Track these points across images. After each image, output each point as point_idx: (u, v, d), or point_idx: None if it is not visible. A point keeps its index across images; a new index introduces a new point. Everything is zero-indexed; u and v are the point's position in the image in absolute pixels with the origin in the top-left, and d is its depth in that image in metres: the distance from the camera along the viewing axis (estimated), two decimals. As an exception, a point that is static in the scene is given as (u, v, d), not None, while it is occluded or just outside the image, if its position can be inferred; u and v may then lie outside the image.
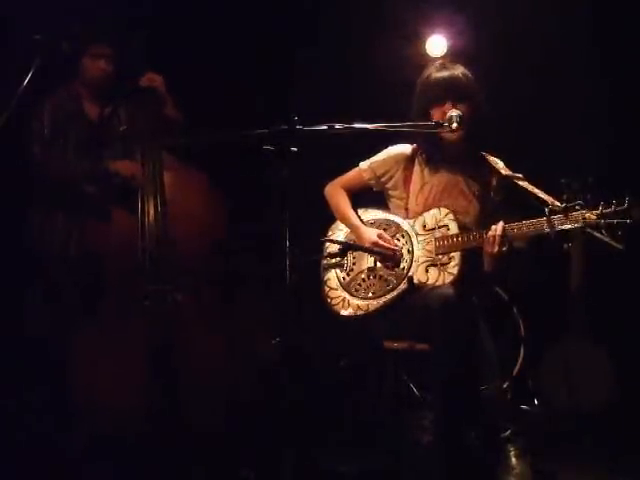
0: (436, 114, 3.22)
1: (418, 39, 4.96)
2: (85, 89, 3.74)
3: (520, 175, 3.20)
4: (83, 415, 3.20)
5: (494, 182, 3.35)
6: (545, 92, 4.62)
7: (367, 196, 3.54)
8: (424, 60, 4.89)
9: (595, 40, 4.56)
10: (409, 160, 3.42)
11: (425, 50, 4.97)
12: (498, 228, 3.07)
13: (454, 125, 3.07)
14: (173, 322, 3.25)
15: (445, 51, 4.93)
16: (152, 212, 3.37)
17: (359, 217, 3.47)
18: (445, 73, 3.25)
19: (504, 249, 3.06)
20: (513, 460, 3.02)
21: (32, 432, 3.36)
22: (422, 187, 3.37)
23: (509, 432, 3.06)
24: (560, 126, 4.59)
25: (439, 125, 3.10)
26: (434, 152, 3.34)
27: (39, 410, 3.40)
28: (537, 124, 4.60)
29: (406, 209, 3.39)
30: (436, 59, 4.63)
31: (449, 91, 3.20)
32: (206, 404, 3.20)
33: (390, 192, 3.46)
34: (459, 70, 3.26)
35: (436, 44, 4.95)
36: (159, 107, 3.59)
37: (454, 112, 3.11)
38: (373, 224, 3.44)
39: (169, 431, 3.13)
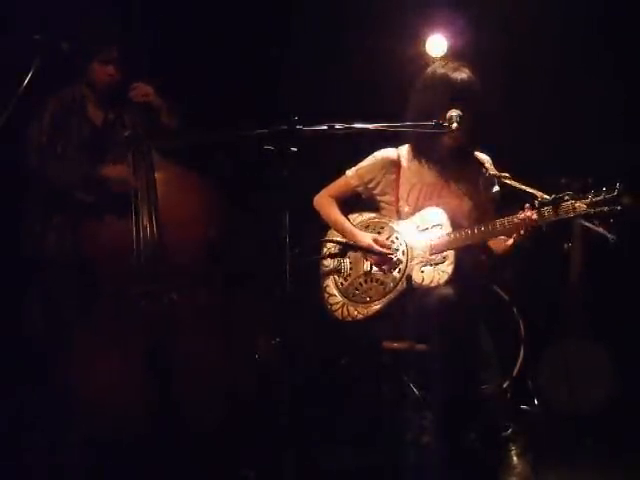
0: (442, 115, 3.19)
1: (418, 39, 4.96)
2: (91, 92, 3.72)
3: (507, 174, 3.20)
4: (81, 416, 3.19)
5: (483, 180, 3.36)
6: (545, 92, 4.62)
7: (361, 200, 3.54)
8: (424, 60, 4.89)
9: (596, 39, 4.56)
10: (395, 164, 3.42)
11: (425, 50, 4.96)
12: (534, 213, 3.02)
13: (454, 125, 3.07)
14: (169, 322, 3.25)
15: (445, 51, 4.93)
16: (146, 213, 3.38)
17: (352, 223, 3.47)
18: (459, 76, 3.22)
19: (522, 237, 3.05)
20: (514, 459, 3.02)
21: (30, 433, 3.36)
22: (412, 189, 3.37)
23: (510, 431, 3.06)
24: (560, 126, 4.59)
25: (439, 125, 3.09)
26: (428, 150, 3.34)
27: (37, 411, 3.40)
28: (537, 124, 4.60)
29: (397, 212, 3.40)
30: (436, 58, 4.65)
31: (462, 95, 3.17)
32: (205, 404, 3.20)
33: (379, 198, 3.46)
34: (469, 73, 3.24)
35: (436, 44, 4.94)
36: (153, 117, 3.60)
37: (454, 112, 3.10)
38: (367, 227, 3.45)
39: (168, 431, 3.13)
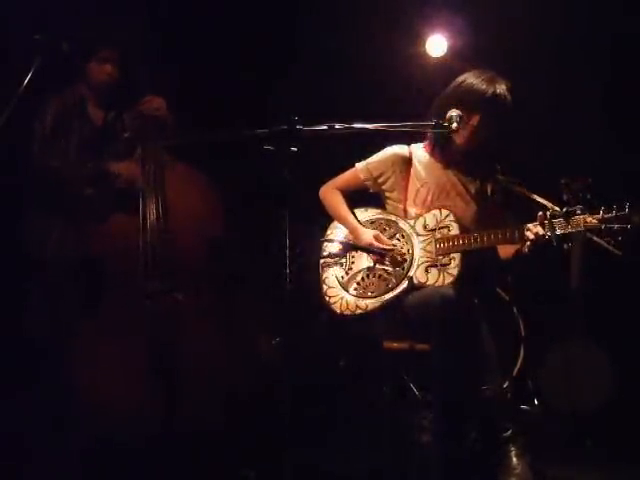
0: (466, 122, 3.17)
1: (418, 39, 4.96)
2: (91, 93, 3.72)
3: (517, 181, 3.21)
4: (84, 416, 3.19)
5: (491, 185, 3.36)
6: (546, 92, 4.63)
7: (366, 196, 3.54)
8: (424, 60, 4.90)
9: (597, 40, 4.56)
10: (406, 161, 3.41)
11: (425, 50, 4.96)
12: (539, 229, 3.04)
13: (454, 125, 3.06)
14: (174, 322, 3.24)
15: (445, 51, 4.93)
16: (153, 212, 3.37)
17: (356, 217, 3.46)
18: (494, 89, 3.19)
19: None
20: (514, 460, 3.02)
21: (31, 433, 3.36)
22: (420, 188, 3.37)
23: (510, 432, 3.06)
24: (560, 126, 4.59)
25: (439, 125, 3.09)
26: (442, 149, 3.34)
27: (38, 411, 3.40)
28: (537, 124, 4.60)
29: (404, 210, 3.39)
30: (438, 59, 4.65)
31: (489, 107, 3.18)
32: (206, 404, 3.20)
33: (387, 194, 3.45)
34: (505, 89, 3.22)
35: (436, 44, 4.95)
36: (160, 129, 3.59)
37: (454, 112, 3.10)
38: (373, 224, 3.44)
39: (169, 431, 3.13)
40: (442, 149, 3.35)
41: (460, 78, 3.30)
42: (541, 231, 3.00)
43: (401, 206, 3.40)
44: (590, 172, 3.77)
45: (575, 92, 4.58)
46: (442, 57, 4.91)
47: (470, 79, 3.26)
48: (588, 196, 2.96)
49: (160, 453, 3.11)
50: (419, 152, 3.43)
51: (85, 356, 3.24)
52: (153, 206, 3.38)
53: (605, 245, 2.99)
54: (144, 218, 3.35)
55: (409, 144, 3.45)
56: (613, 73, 4.59)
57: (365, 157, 3.49)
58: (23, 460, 3.28)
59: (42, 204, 3.66)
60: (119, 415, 3.13)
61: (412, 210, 3.36)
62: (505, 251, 3.25)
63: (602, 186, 2.98)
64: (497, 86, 3.21)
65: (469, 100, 3.19)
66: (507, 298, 4.55)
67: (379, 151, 3.47)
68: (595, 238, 3.17)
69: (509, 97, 3.23)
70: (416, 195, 3.36)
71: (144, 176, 3.42)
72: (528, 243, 3.05)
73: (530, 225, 3.05)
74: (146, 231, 3.33)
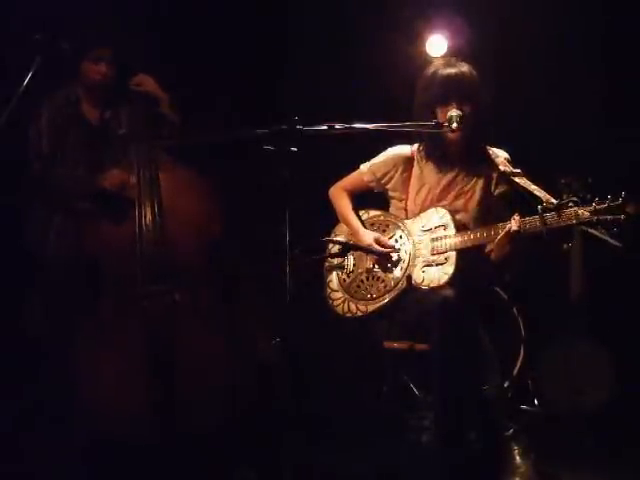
0: (441, 113, 3.18)
1: (418, 39, 4.96)
2: (85, 92, 3.71)
3: (518, 170, 3.18)
4: (83, 416, 3.19)
5: (494, 177, 3.34)
6: (545, 91, 4.63)
7: (370, 197, 3.55)
8: (424, 60, 4.90)
9: (596, 39, 4.57)
10: (408, 161, 3.42)
11: (425, 50, 4.97)
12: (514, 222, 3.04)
13: (454, 125, 3.06)
14: (171, 322, 3.24)
15: (445, 51, 4.93)
16: (149, 214, 3.36)
17: (360, 219, 3.47)
18: (451, 71, 3.20)
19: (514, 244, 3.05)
20: (517, 459, 3.02)
21: (31, 433, 3.36)
22: (421, 188, 3.37)
23: (512, 431, 3.06)
24: (560, 126, 4.59)
25: (439, 125, 3.09)
26: (436, 149, 3.34)
27: (38, 411, 3.40)
28: (537, 124, 4.60)
29: (405, 210, 3.40)
30: (436, 58, 4.65)
31: (455, 90, 3.16)
32: (206, 404, 3.20)
33: (390, 193, 3.46)
34: (465, 68, 3.22)
35: (436, 44, 4.95)
36: (152, 107, 3.57)
37: (454, 112, 3.10)
38: (372, 225, 3.45)
39: (168, 431, 3.13)
40: (438, 149, 3.34)
41: (426, 72, 3.29)
42: (516, 226, 2.99)
43: (403, 205, 3.41)
44: (590, 172, 3.78)
45: (575, 91, 4.59)
46: (445, 55, 4.90)
47: (432, 68, 3.26)
48: (588, 196, 2.94)
49: (160, 453, 3.11)
50: (422, 152, 3.43)
51: (84, 357, 3.24)
52: (149, 209, 3.37)
53: (603, 237, 2.98)
54: (140, 220, 3.34)
55: (413, 142, 3.45)
56: (614, 72, 4.59)
57: (368, 158, 3.50)
58: (23, 460, 3.28)
59: (42, 205, 3.65)
60: (118, 415, 3.13)
61: (412, 209, 3.36)
62: (499, 252, 3.23)
63: (602, 186, 2.96)
64: (457, 68, 3.21)
65: (441, 90, 3.18)
66: (507, 298, 4.55)
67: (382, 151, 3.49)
68: (593, 231, 3.18)
69: (474, 76, 3.22)
70: (417, 194, 3.37)
71: (138, 179, 3.40)
72: (513, 228, 3.02)
73: (516, 217, 3.04)
74: (142, 234, 3.32)
